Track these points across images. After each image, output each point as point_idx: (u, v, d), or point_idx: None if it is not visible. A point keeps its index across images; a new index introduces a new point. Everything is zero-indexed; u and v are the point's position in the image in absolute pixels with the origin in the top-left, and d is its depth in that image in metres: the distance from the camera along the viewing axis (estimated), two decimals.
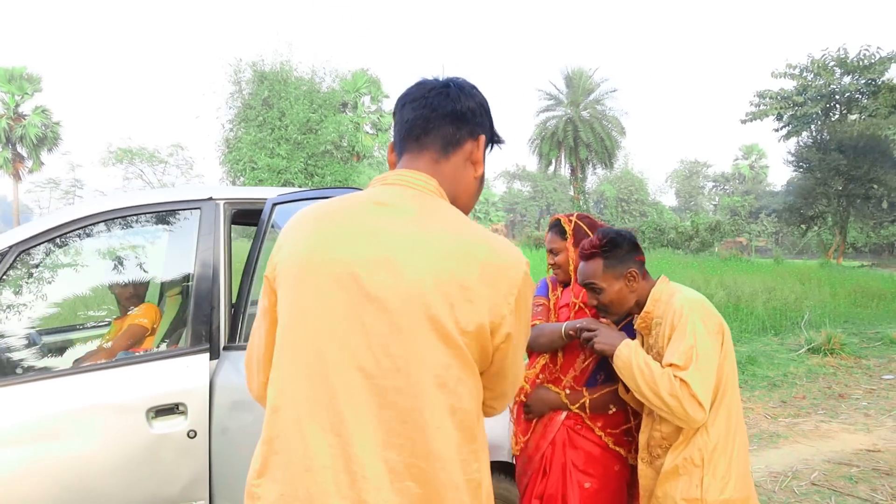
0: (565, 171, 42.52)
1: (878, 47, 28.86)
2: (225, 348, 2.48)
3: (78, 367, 2.43)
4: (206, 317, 2.49)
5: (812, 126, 31.42)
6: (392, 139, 1.36)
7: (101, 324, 3.73)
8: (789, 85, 31.46)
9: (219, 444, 2.39)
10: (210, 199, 2.63)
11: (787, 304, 11.62)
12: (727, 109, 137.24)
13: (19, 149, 39.44)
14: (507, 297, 1.15)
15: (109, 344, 3.17)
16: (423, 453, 1.09)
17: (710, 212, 63.70)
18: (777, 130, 32.78)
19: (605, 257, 2.19)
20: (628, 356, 2.07)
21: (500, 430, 2.94)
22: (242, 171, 33.24)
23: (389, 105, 37.89)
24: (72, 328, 3.63)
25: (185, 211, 2.63)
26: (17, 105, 38.77)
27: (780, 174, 79.21)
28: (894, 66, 28.23)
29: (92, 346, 3.47)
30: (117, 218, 2.52)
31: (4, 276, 2.31)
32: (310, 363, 1.14)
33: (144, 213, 2.59)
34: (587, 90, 40.44)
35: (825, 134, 29.91)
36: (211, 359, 2.45)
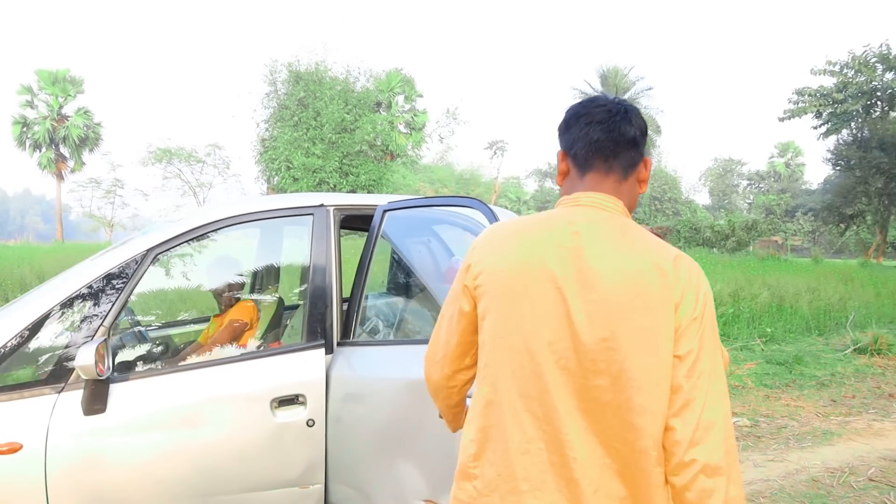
0: None
1: None
2: (339, 344, 2.71)
3: (211, 360, 2.67)
4: (320, 315, 2.72)
5: (852, 123, 30.89)
6: (562, 149, 1.51)
7: (199, 319, 4.00)
8: (829, 82, 30.98)
9: (333, 433, 2.62)
10: (321, 205, 2.86)
11: (831, 304, 11.59)
12: (763, 107, 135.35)
13: (62, 149, 40.55)
14: (693, 310, 1.32)
15: (212, 339, 3.44)
16: (621, 440, 1.30)
17: (744, 210, 62.84)
18: (816, 128, 32.30)
19: None
20: None
21: None
22: (278, 170, 33.73)
23: (423, 104, 38.25)
24: (174, 324, 3.91)
25: (300, 216, 2.86)
26: (61, 107, 39.89)
27: (816, 172, 77.51)
28: None
29: (194, 340, 3.73)
30: (238, 223, 2.76)
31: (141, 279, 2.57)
32: (524, 364, 1.35)
33: (262, 219, 2.83)
34: (623, 88, 40.36)
35: (866, 131, 29.41)
36: (326, 353, 2.68)
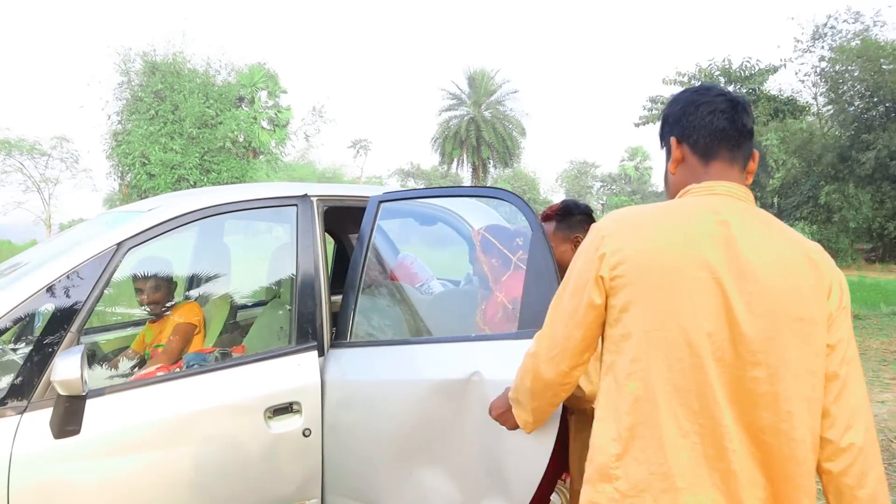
0: (467, 169, 43.27)
1: (757, 59, 31.19)
2: (332, 346, 2.50)
3: (193, 369, 2.38)
4: (310, 314, 2.49)
5: None
6: (676, 136, 1.47)
7: (124, 324, 3.58)
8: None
9: (332, 442, 2.41)
10: (305, 195, 2.63)
11: None
12: (614, 113, 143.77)
13: None
14: (841, 300, 1.34)
15: (159, 347, 3.08)
16: (772, 431, 1.27)
17: (598, 211, 66.49)
18: None
19: (558, 221, 2.50)
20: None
21: None
22: (132, 166, 31.72)
23: (287, 100, 37.20)
24: (94, 330, 3.45)
25: (282, 207, 2.62)
26: None
27: (662, 175, 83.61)
28: (772, 78, 30.61)
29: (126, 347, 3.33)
30: (217, 214, 2.48)
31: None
32: (682, 357, 1.28)
33: (243, 209, 2.56)
34: (489, 91, 41.34)
35: None
36: (318, 356, 2.46)
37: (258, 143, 35.46)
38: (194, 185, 31.20)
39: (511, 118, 41.09)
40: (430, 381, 2.22)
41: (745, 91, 31.38)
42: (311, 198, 2.64)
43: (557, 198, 72.71)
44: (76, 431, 2.01)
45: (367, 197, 2.72)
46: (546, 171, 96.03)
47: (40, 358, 2.04)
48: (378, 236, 3.33)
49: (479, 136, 39.80)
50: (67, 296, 2.13)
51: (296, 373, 2.40)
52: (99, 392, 2.10)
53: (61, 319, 2.10)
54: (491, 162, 41.87)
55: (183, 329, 3.08)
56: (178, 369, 2.61)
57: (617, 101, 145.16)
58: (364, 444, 2.37)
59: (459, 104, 42.06)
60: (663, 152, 1.57)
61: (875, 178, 24.07)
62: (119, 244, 2.24)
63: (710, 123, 1.43)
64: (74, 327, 2.11)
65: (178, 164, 31.82)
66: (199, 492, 2.21)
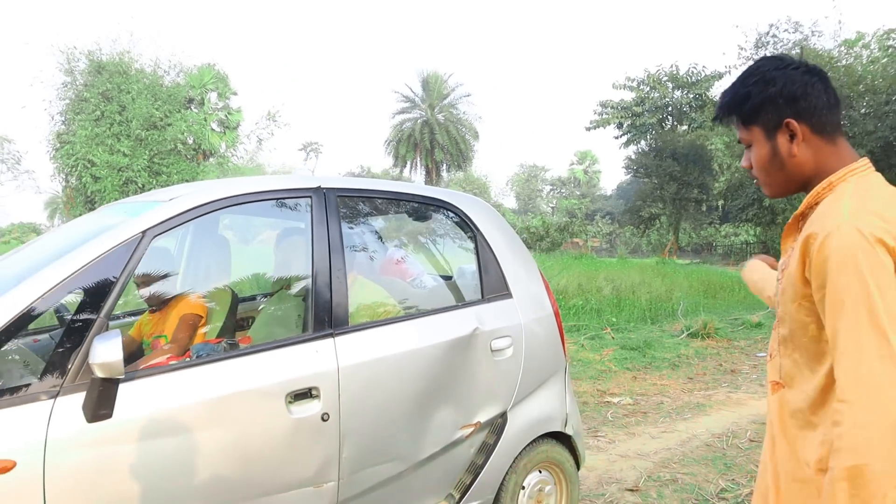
0: (420, 172, 43.42)
1: (703, 66, 32.23)
2: (340, 332, 2.59)
3: (223, 354, 2.43)
4: (326, 302, 2.57)
5: (648, 135, 34.46)
6: (792, 116, 1.44)
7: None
8: (629, 96, 34.30)
9: (345, 426, 2.50)
10: (319, 187, 2.71)
11: (659, 295, 12.86)
12: (565, 117, 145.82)
13: None
14: None
15: (160, 337, 3.11)
16: None
17: (548, 214, 67.43)
18: (617, 138, 35.59)
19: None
20: None
21: (557, 403, 3.26)
22: (75, 168, 30.81)
23: (237, 102, 36.67)
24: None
25: (298, 199, 2.69)
26: None
27: (611, 179, 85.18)
28: (717, 84, 31.68)
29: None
30: (237, 204, 2.54)
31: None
32: None
33: (260, 200, 2.63)
34: (442, 94, 41.58)
35: (659, 142, 32.96)
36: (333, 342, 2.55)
37: (208, 145, 34.83)
38: (143, 188, 30.38)
39: (464, 121, 41.43)
40: (433, 344, 2.73)
41: (691, 96, 32.44)
42: (325, 189, 2.72)
43: (507, 201, 73.43)
44: (109, 415, 2.05)
45: (377, 189, 2.82)
46: (496, 175, 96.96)
47: (72, 343, 2.07)
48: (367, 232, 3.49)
49: (433, 139, 40.02)
50: (96, 282, 2.16)
51: (314, 359, 2.47)
52: (129, 377, 2.14)
53: (91, 305, 2.13)
54: (444, 165, 42.10)
55: (189, 319, 3.11)
56: (187, 359, 2.66)
57: (566, 106, 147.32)
58: (381, 416, 2.56)
59: (413, 107, 42.23)
60: (748, 135, 1.54)
61: None
62: (144, 232, 2.28)
63: (828, 100, 1.44)
64: (104, 313, 2.14)
65: (125, 167, 31.00)
66: (223, 475, 2.26)
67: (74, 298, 2.20)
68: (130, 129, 30.94)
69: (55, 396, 2.02)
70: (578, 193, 71.29)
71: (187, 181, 32.27)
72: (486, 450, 2.97)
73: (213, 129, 35.88)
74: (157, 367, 2.37)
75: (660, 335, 10.10)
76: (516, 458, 3.06)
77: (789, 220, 1.57)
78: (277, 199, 2.69)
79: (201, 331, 3.12)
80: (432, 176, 41.91)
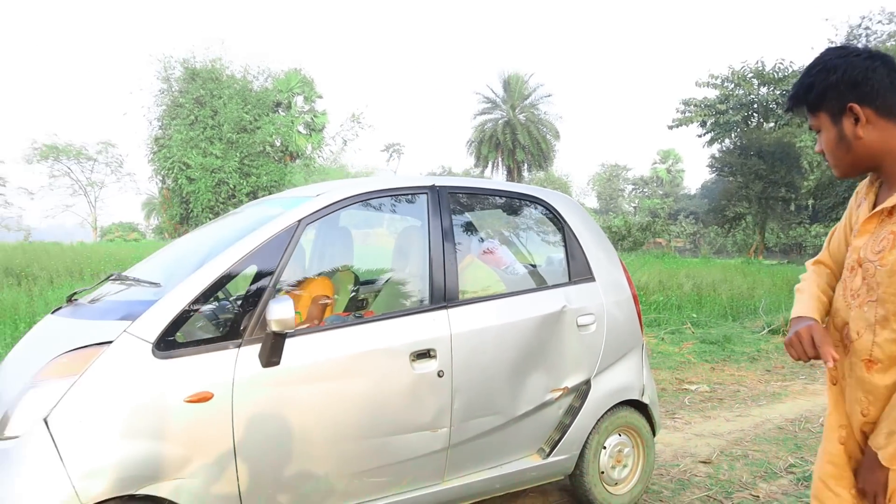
0: (502, 172, 43.87)
1: (790, 61, 31.32)
2: (451, 304, 3.13)
3: (361, 319, 3.01)
4: (441, 281, 3.12)
5: (733, 133, 33.75)
6: (856, 101, 1.52)
7: None
8: (712, 94, 33.68)
9: (456, 382, 3.03)
10: (434, 186, 3.26)
11: (741, 293, 12.90)
12: (646, 115, 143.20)
13: None
14: None
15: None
16: None
17: (630, 213, 66.52)
18: (701, 136, 35.02)
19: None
20: None
21: (634, 375, 3.69)
22: (171, 170, 32.66)
23: (322, 105, 38.05)
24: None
25: (417, 195, 3.26)
26: None
27: (694, 178, 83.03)
28: None
29: None
30: (369, 199, 3.14)
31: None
32: None
33: (388, 196, 3.21)
34: (523, 94, 41.93)
35: (745, 140, 32.24)
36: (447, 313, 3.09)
37: (295, 147, 36.29)
38: (234, 189, 32.10)
39: (545, 121, 41.69)
40: (535, 317, 3.32)
41: (778, 93, 31.56)
42: (438, 187, 3.27)
43: (589, 201, 72.82)
44: (277, 363, 2.65)
45: (480, 187, 3.35)
46: (577, 174, 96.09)
47: (250, 306, 2.68)
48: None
49: (515, 139, 40.46)
50: (267, 258, 2.77)
51: (431, 326, 3.02)
52: (291, 334, 2.74)
53: (263, 276, 2.74)
54: (525, 165, 42.47)
55: (320, 299, 3.72)
56: (339, 316, 3.27)
57: (648, 105, 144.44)
58: (485, 375, 3.11)
59: (494, 108, 42.82)
60: (813, 121, 1.64)
61: None
62: (300, 220, 2.89)
63: (891, 84, 1.51)
64: (272, 283, 2.75)
65: (217, 168, 32.66)
66: (361, 415, 2.83)
67: (249, 272, 2.82)
68: (222, 133, 32.57)
69: (239, 346, 2.63)
70: (661, 193, 70.02)
71: (276, 182, 33.75)
72: (573, 412, 3.45)
73: (299, 132, 37.33)
74: (311, 327, 2.97)
75: (740, 331, 10.24)
76: (599, 420, 3.52)
77: (875, 210, 1.62)
78: (400, 195, 3.26)
79: (329, 309, 3.72)
80: (514, 176, 42.33)
